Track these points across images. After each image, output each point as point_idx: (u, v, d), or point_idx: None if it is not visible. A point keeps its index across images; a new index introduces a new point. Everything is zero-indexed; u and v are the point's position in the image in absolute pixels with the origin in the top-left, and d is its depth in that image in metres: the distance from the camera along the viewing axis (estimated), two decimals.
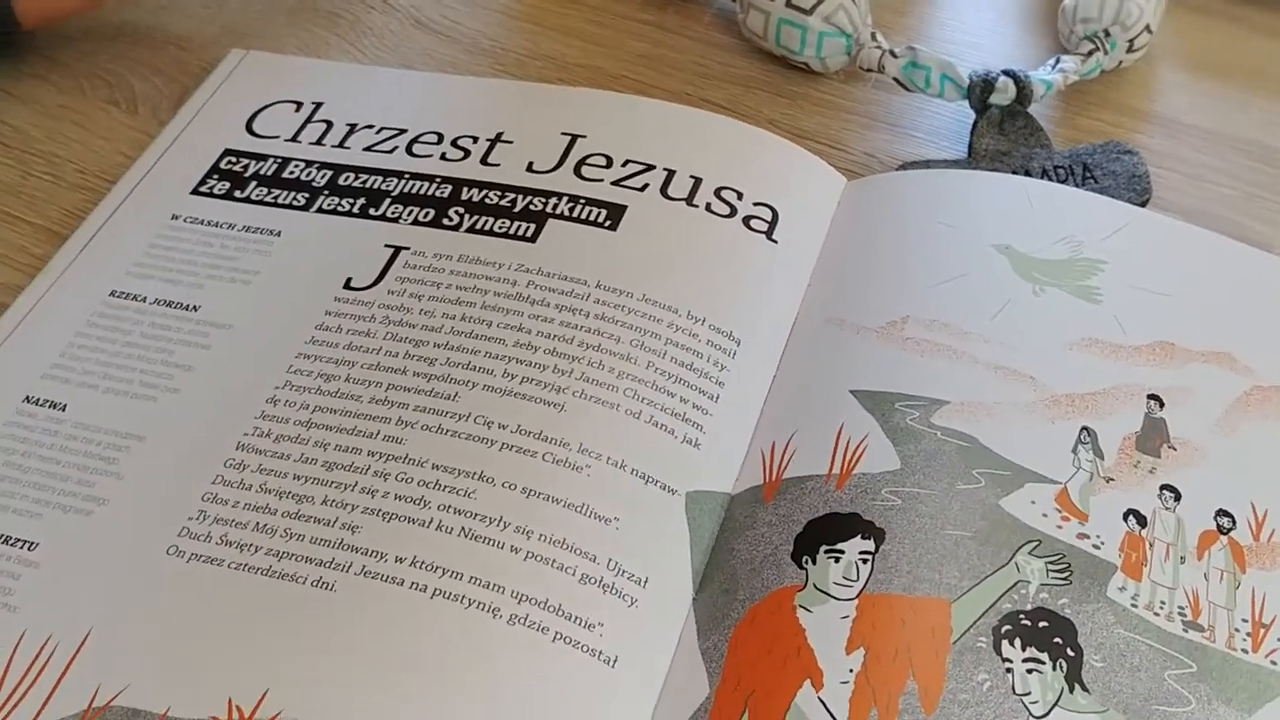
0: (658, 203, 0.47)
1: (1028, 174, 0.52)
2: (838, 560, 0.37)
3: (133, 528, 0.39)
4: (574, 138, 0.50)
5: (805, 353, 0.44)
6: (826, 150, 0.53)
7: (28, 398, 0.43)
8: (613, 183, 0.48)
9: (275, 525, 0.38)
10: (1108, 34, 0.55)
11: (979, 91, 0.53)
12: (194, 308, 0.45)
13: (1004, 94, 0.53)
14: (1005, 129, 0.53)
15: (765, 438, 0.42)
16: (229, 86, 0.54)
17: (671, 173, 0.48)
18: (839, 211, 0.49)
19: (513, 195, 0.48)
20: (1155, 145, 0.54)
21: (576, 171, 0.49)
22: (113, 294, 0.46)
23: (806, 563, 0.38)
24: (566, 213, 0.47)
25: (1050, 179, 0.51)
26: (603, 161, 0.49)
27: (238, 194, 0.49)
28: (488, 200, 0.48)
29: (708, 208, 0.47)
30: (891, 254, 0.46)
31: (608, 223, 0.47)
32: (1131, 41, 0.55)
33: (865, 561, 0.37)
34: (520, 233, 0.46)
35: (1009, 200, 0.48)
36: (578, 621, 0.36)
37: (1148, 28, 0.55)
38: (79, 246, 0.48)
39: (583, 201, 0.47)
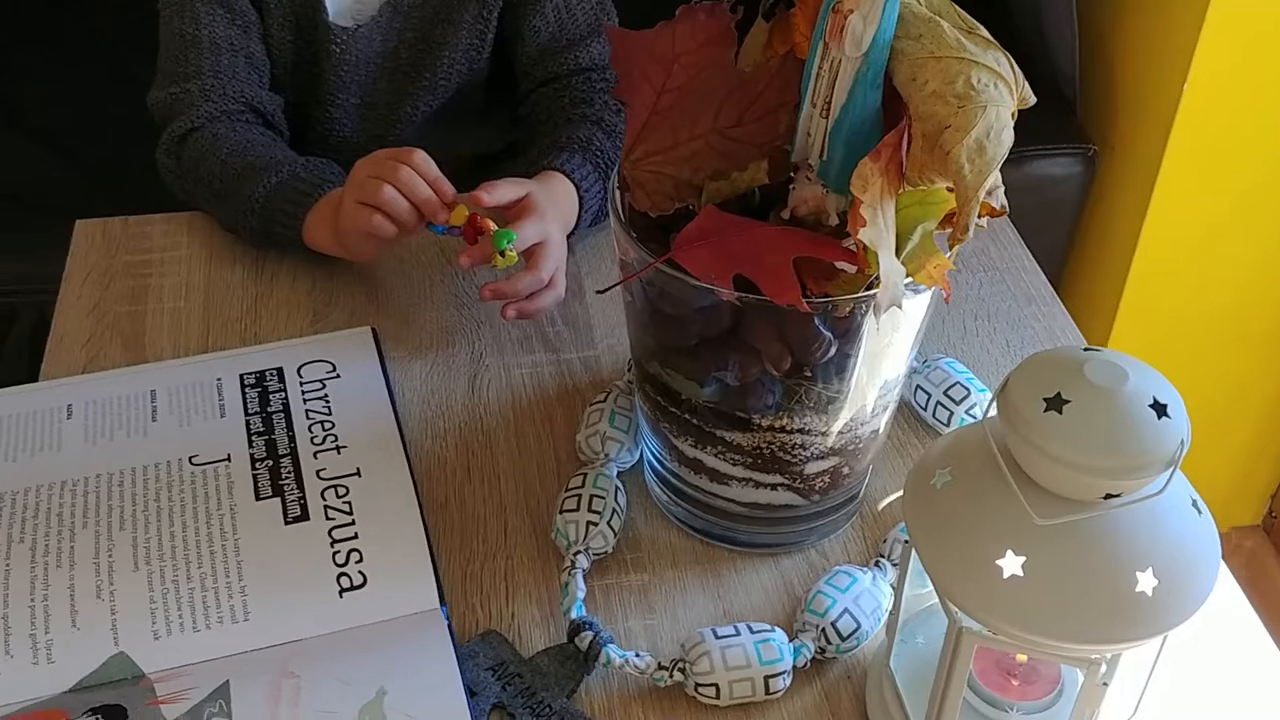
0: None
1: (531, 689, 0.69)
2: None
3: None
4: None
5: None
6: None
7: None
8: None
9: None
10: (682, 670, 0.69)
11: (572, 626, 0.71)
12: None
13: (583, 642, 0.71)
14: (563, 661, 0.71)
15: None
16: (328, 342, 0.90)
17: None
18: None
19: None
20: None
21: None
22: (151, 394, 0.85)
23: None
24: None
25: (543, 711, 0.69)
26: None
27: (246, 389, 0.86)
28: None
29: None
30: None
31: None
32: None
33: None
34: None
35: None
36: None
37: (716, 687, 0.68)
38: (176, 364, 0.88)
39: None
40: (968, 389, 0.84)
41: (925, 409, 0.85)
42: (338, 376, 0.87)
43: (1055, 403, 0.54)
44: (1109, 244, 1.33)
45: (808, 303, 0.63)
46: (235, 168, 0.97)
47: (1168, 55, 1.20)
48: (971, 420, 0.83)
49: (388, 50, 1.08)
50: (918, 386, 0.86)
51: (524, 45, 1.08)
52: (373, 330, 0.92)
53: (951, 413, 0.84)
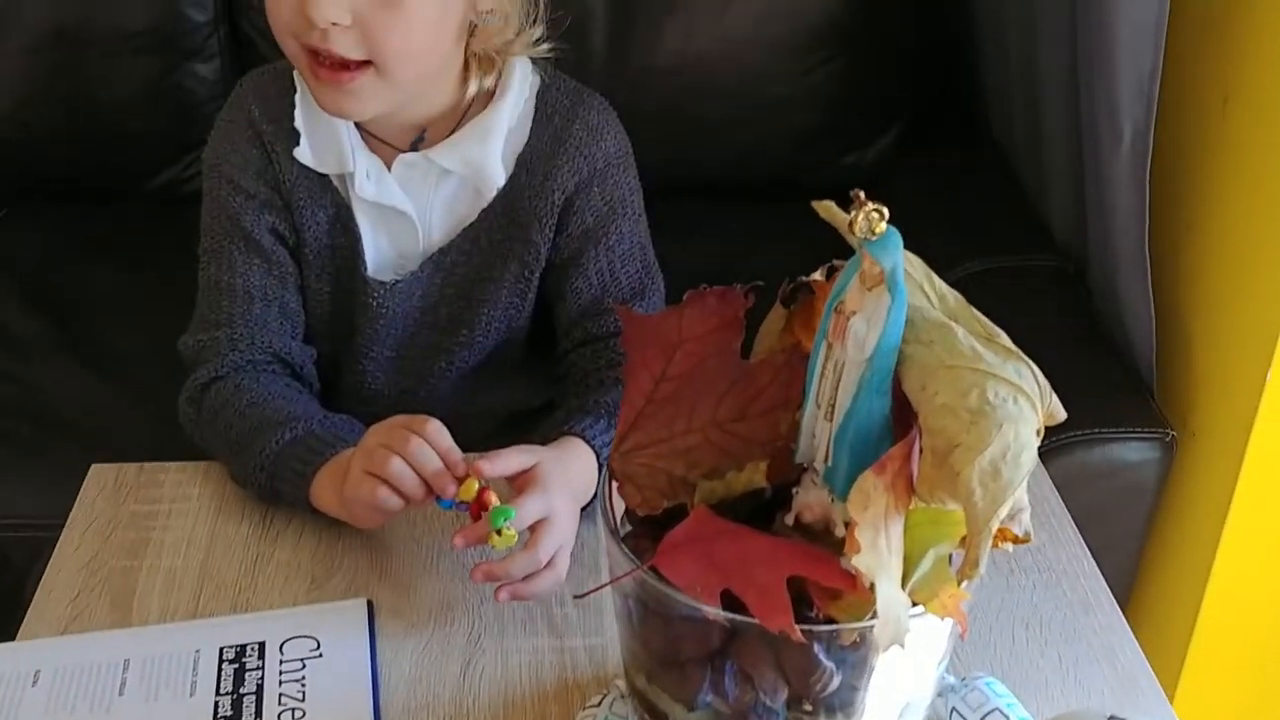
0: None
1: None
2: None
3: None
4: None
5: None
6: None
7: None
8: None
9: None
10: None
11: None
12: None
13: None
14: None
15: None
16: (319, 614, 0.85)
17: None
18: None
19: None
20: None
21: None
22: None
23: None
24: None
25: None
26: None
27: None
28: None
29: None
30: None
31: None
32: None
33: None
34: None
35: None
36: None
37: None
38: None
39: None
40: (1007, 717, 0.74)
41: None
42: (320, 656, 0.81)
43: None
44: (1188, 539, 1.23)
45: (805, 629, 0.56)
46: (252, 421, 0.94)
47: (1250, 340, 1.13)
48: None
49: (426, 305, 1.06)
50: (954, 709, 0.76)
51: (564, 305, 1.05)
52: (368, 603, 0.86)
53: None
